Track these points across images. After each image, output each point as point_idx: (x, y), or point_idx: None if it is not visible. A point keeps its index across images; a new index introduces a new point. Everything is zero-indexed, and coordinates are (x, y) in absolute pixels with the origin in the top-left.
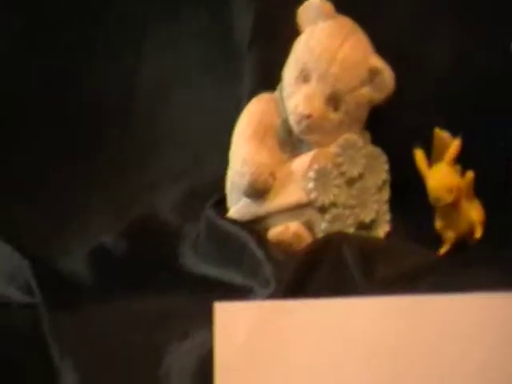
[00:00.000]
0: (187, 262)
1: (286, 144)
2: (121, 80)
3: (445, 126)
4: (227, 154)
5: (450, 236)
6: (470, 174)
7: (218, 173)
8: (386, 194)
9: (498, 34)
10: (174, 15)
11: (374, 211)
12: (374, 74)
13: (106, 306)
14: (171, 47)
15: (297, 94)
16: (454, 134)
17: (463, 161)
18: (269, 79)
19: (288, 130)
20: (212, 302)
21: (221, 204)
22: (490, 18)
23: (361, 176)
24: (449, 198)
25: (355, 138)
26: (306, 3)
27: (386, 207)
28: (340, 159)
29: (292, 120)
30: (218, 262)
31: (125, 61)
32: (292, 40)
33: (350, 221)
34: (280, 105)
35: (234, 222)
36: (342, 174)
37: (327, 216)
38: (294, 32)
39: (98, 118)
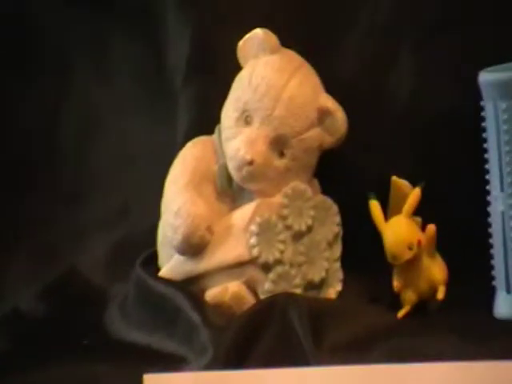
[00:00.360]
0: (114, 327)
1: (225, 193)
2: (45, 120)
3: (404, 174)
4: (159, 205)
5: (409, 297)
6: (431, 228)
7: (148, 225)
8: (337, 250)
9: (463, 71)
10: (103, 48)
11: (324, 269)
12: (324, 115)
13: (20, 378)
14: (99, 83)
15: (237, 137)
16: (414, 182)
17: (424, 212)
18: (206, 120)
19: (227, 178)
20: (141, 373)
21: (152, 261)
22: (454, 51)
23: (309, 230)
24: (408, 255)
25: (303, 187)
26: (248, 35)
27: (337, 265)
28: (286, 211)
29: (232, 166)
30: (148, 327)
31: (49, 99)
32: (232, 75)
33: (298, 280)
34: (218, 149)
35: (166, 281)
36: (288, 227)
37: (271, 275)
38: (234, 66)
39: (19, 163)
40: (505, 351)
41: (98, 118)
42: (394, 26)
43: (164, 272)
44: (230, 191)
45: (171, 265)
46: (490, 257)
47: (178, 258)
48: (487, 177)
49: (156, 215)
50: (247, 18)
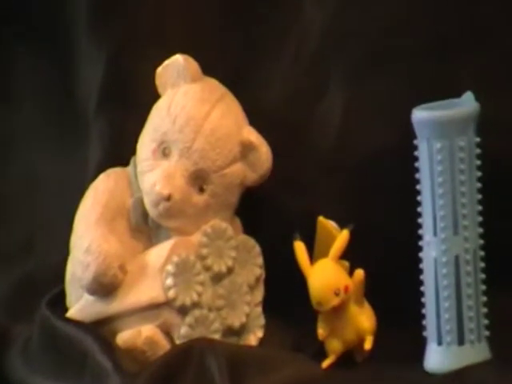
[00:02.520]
0: (15, 372)
1: (140, 230)
2: None
3: (331, 213)
4: (68, 240)
5: (334, 346)
6: (359, 273)
7: (56, 262)
8: (259, 294)
9: (396, 107)
10: (11, 73)
11: (245, 314)
12: (247, 149)
13: None
14: (5, 109)
15: (154, 170)
16: (342, 223)
17: (352, 256)
18: (120, 150)
19: (143, 213)
20: None
21: (59, 301)
22: (388, 86)
23: (230, 271)
24: (334, 302)
25: (224, 225)
26: (167, 61)
27: (259, 309)
28: (205, 251)
29: (148, 201)
30: (54, 372)
31: None
32: (149, 104)
33: (216, 325)
34: (133, 182)
35: (74, 323)
36: (207, 268)
37: (188, 319)
38: (152, 94)
39: None
40: None
41: (3, 146)
42: (323, 57)
43: (72, 313)
44: (145, 228)
45: (80, 305)
46: (422, 306)
47: (87, 298)
48: (420, 220)
49: (64, 251)
50: (167, 43)
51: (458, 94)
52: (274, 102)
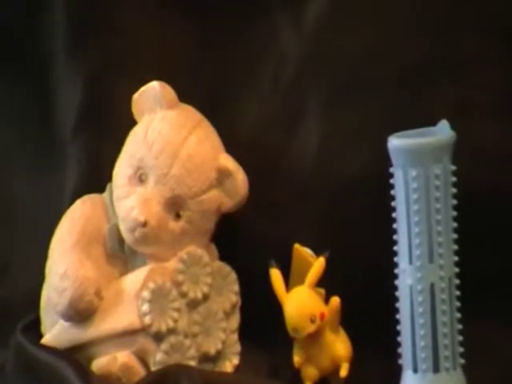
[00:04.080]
0: None
1: (116, 256)
2: None
3: (307, 240)
4: (43, 265)
5: (310, 373)
6: (335, 301)
7: (31, 286)
8: (235, 321)
9: (372, 134)
10: None
11: (221, 341)
12: (223, 176)
13: None
14: None
15: (131, 196)
16: (318, 250)
17: (328, 284)
18: (96, 175)
19: (119, 240)
20: None
21: (34, 327)
22: (364, 113)
23: (205, 298)
24: (309, 329)
25: (200, 252)
26: (143, 88)
27: (235, 336)
28: (181, 277)
29: (124, 227)
30: None
31: None
32: (126, 129)
33: (192, 351)
34: (109, 209)
35: (49, 349)
36: (183, 294)
37: (164, 345)
38: (129, 119)
39: None
40: None
41: None
42: (299, 84)
43: (47, 339)
44: (121, 254)
45: (55, 331)
46: (397, 333)
47: (62, 324)
48: (395, 248)
49: (39, 277)
50: (144, 69)
51: (434, 123)
52: (250, 128)
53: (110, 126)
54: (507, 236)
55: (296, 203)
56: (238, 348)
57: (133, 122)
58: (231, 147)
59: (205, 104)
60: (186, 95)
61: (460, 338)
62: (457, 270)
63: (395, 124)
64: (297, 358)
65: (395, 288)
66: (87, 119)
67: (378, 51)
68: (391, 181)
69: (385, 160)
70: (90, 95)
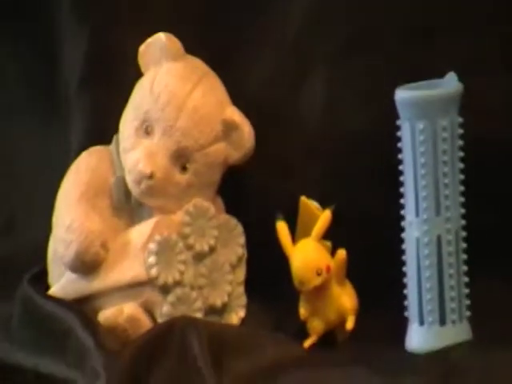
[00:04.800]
0: None
1: (123, 208)
2: None
3: (314, 194)
4: (50, 218)
5: (316, 326)
6: (341, 253)
7: (37, 240)
8: (241, 273)
9: (379, 87)
10: None
11: (227, 293)
12: (229, 128)
13: None
14: None
15: (137, 148)
16: (325, 203)
17: (334, 237)
18: (102, 128)
19: (125, 192)
20: None
21: (41, 278)
22: (371, 67)
23: (212, 250)
24: (315, 281)
25: (206, 204)
26: (149, 40)
27: (240, 289)
28: (187, 229)
29: (130, 179)
30: (36, 349)
31: None
32: (132, 82)
33: (198, 304)
34: (116, 160)
35: (56, 300)
36: (190, 247)
37: (170, 297)
38: (135, 72)
39: None
40: None
41: None
42: (307, 38)
43: (54, 290)
44: (127, 206)
45: (62, 283)
46: (403, 286)
47: (69, 275)
48: (402, 201)
49: (46, 228)
50: (150, 22)
51: (441, 75)
52: (256, 84)
53: (115, 79)
54: None
55: (303, 157)
56: (243, 300)
57: (139, 75)
58: (237, 102)
59: (211, 59)
60: (193, 49)
61: (466, 290)
62: (463, 222)
63: (402, 77)
64: (302, 311)
65: (402, 241)
66: (93, 72)
67: (385, 6)
68: (398, 134)
69: (392, 113)
70: (95, 48)
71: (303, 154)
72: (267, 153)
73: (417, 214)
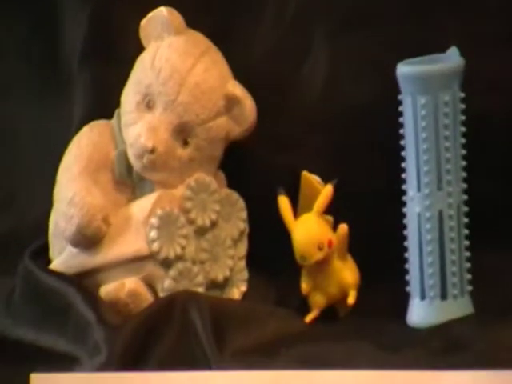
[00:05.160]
0: None
1: (124, 183)
2: None
3: (315, 168)
4: (51, 192)
5: (318, 300)
6: (343, 228)
7: (38, 214)
8: (243, 248)
9: (380, 62)
10: None
11: (229, 268)
12: (231, 103)
13: None
14: None
15: (138, 122)
16: (327, 178)
17: (336, 211)
18: (104, 103)
19: (126, 166)
20: (28, 372)
21: (42, 253)
22: (372, 41)
23: (213, 225)
24: (317, 256)
25: (208, 179)
26: (150, 14)
27: (242, 263)
28: (189, 204)
29: (132, 153)
30: (36, 323)
31: None
32: (133, 56)
33: (200, 278)
34: (117, 135)
35: (57, 275)
36: (191, 221)
37: (172, 271)
38: (136, 47)
39: None
40: (417, 360)
41: None
42: (308, 13)
43: (55, 265)
44: (129, 180)
45: (63, 257)
46: (405, 261)
47: (71, 250)
48: (403, 176)
49: (47, 203)
50: None
51: (443, 50)
52: (258, 58)
53: (116, 53)
54: None
55: (304, 131)
56: (245, 275)
57: (140, 49)
58: (239, 77)
59: (213, 33)
60: (194, 22)
61: (468, 265)
62: (465, 197)
63: (404, 51)
64: (304, 286)
65: (403, 215)
66: (94, 47)
67: None
68: (400, 108)
69: (394, 88)
70: (96, 22)
71: (305, 129)
72: (268, 127)
73: (418, 189)
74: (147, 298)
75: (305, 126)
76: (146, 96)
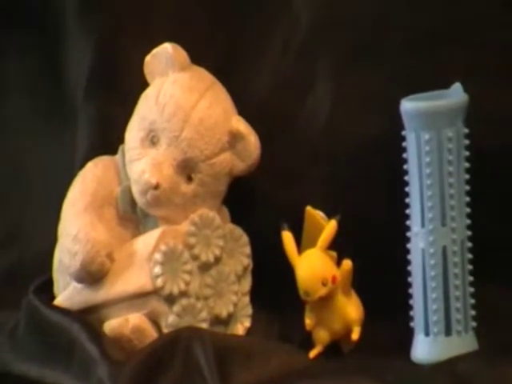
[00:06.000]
0: (2, 358)
1: (128, 218)
2: None
3: (319, 203)
4: (55, 227)
5: (322, 336)
6: (347, 264)
7: (43, 250)
8: (246, 284)
9: (385, 98)
10: None
11: (232, 303)
12: (235, 138)
13: None
14: None
15: (143, 158)
16: (330, 214)
17: (340, 247)
18: (108, 139)
19: (130, 202)
20: None
21: (47, 288)
22: (376, 77)
23: (217, 261)
24: (321, 292)
25: (211, 214)
26: (155, 50)
27: (246, 299)
28: (193, 240)
29: (136, 190)
30: (41, 359)
31: None
32: (138, 92)
33: (204, 314)
34: (121, 171)
35: (62, 311)
36: (195, 257)
37: (176, 307)
38: (140, 82)
39: None
40: None
41: None
42: (312, 47)
43: (60, 300)
44: (133, 216)
45: (68, 293)
46: (409, 296)
47: (75, 285)
48: (407, 211)
49: (51, 239)
50: (156, 32)
51: (447, 86)
52: (262, 92)
53: (121, 88)
54: None
55: (308, 166)
56: (249, 311)
57: (144, 85)
58: (243, 111)
59: (217, 68)
60: (198, 58)
61: (472, 301)
62: (469, 233)
63: (408, 87)
64: (308, 321)
65: (407, 251)
66: (99, 81)
67: (390, 14)
68: (403, 144)
69: (397, 123)
70: (101, 57)
71: (308, 162)
72: (272, 161)
73: (422, 225)
74: (151, 333)
75: (308, 161)
76: (151, 132)
